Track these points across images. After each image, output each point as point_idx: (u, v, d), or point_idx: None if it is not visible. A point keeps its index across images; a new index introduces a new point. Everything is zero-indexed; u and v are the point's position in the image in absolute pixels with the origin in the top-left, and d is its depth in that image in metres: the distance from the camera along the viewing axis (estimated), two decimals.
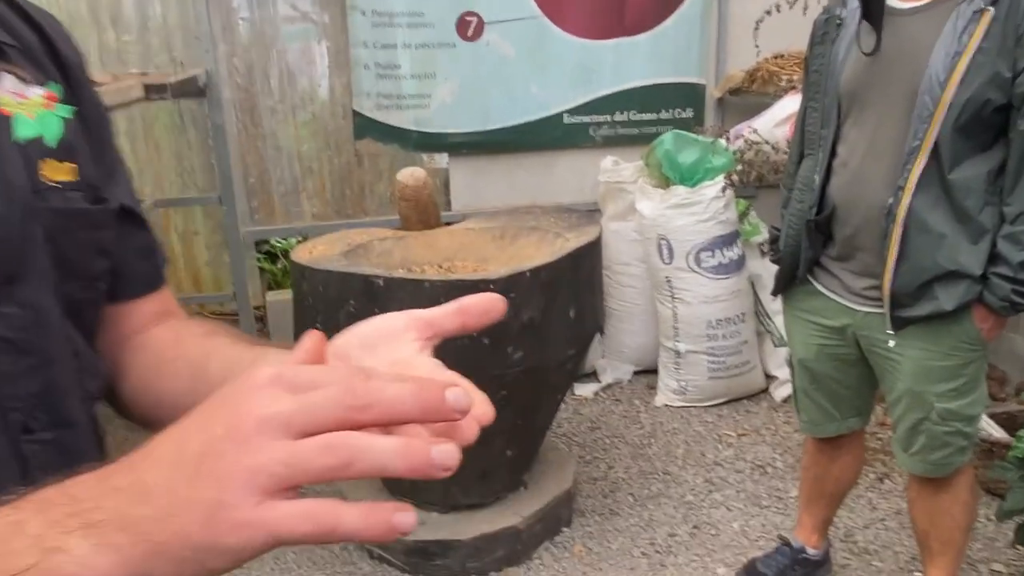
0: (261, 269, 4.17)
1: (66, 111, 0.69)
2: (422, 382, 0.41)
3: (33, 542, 0.40)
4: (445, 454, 0.39)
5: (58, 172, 0.66)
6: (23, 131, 0.65)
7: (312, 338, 0.51)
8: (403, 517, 0.39)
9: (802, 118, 1.93)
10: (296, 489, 0.39)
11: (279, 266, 4.30)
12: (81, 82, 0.73)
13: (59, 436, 0.65)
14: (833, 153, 1.83)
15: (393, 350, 0.54)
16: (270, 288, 4.12)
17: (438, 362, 0.53)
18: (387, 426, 0.42)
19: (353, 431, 0.39)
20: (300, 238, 3.57)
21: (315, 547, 2.51)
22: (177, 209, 3.74)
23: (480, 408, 0.46)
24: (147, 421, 0.75)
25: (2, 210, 0.60)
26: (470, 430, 0.45)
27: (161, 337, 0.77)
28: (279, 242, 4.22)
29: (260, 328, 3.81)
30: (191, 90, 3.00)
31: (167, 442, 0.42)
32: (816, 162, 1.85)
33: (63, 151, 0.67)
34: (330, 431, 0.39)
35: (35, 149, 0.65)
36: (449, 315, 0.54)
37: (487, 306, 0.55)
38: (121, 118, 3.52)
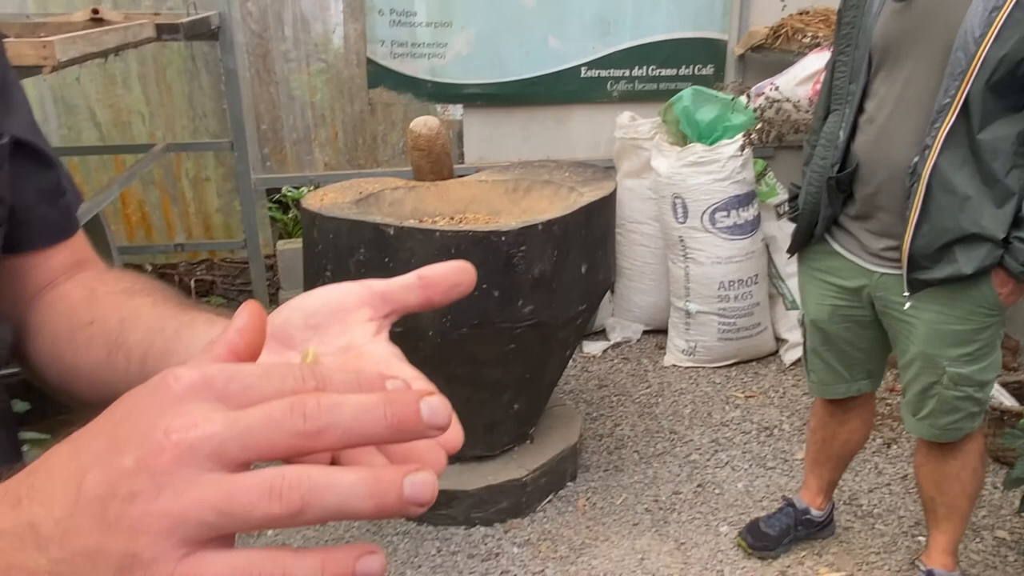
0: (272, 219, 4.16)
1: None
2: (389, 395, 0.32)
3: None
4: (422, 487, 0.31)
5: None
6: None
7: (248, 312, 0.38)
8: (369, 562, 0.30)
9: (831, 72, 1.88)
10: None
11: (290, 216, 4.28)
12: None
13: None
14: (860, 109, 1.79)
15: (343, 332, 0.45)
16: (281, 238, 4.11)
17: (395, 350, 0.45)
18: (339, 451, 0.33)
19: (305, 464, 0.31)
20: (311, 187, 3.55)
21: None
22: (188, 154, 3.71)
23: (450, 433, 0.35)
24: (62, 390, 0.64)
25: None
26: (437, 460, 0.35)
27: (73, 296, 0.65)
28: (290, 191, 4.20)
29: (270, 277, 3.81)
30: (203, 32, 2.95)
31: (63, 467, 0.32)
32: (842, 118, 1.80)
33: None
34: (274, 459, 0.31)
35: None
36: (410, 288, 0.45)
37: (455, 278, 0.45)
38: (133, 59, 3.48)
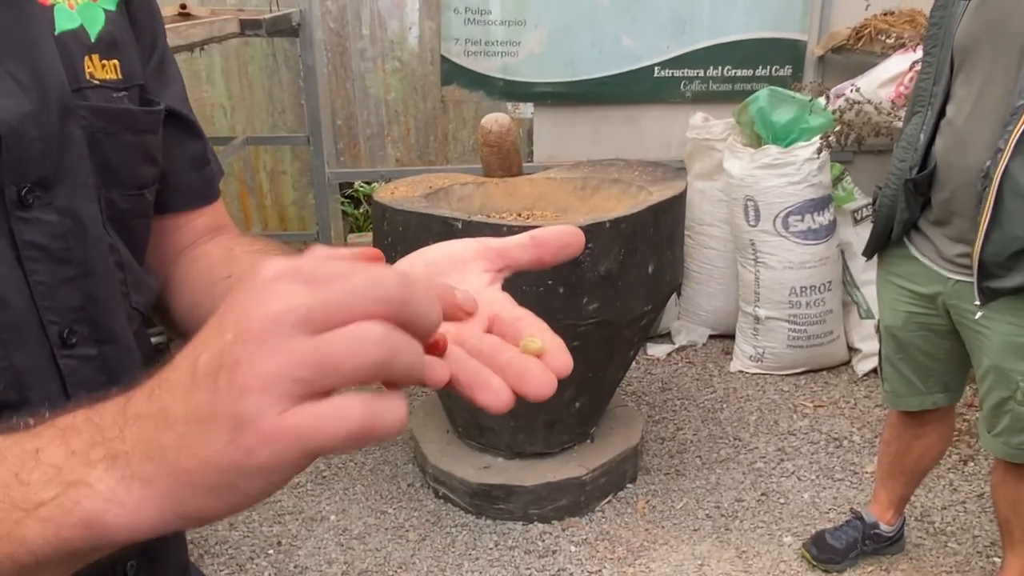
0: (344, 213, 4.25)
1: (110, 2, 0.63)
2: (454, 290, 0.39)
3: (53, 474, 0.37)
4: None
5: (101, 69, 0.61)
6: (64, 23, 0.58)
7: (369, 254, 0.42)
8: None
9: (919, 74, 1.82)
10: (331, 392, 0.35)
11: (361, 211, 4.37)
12: None
13: (102, 352, 0.61)
14: (943, 112, 1.73)
15: (460, 280, 0.49)
16: (351, 231, 4.19)
17: (508, 296, 0.47)
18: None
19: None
20: (383, 182, 3.61)
21: (383, 483, 2.57)
22: (267, 147, 3.82)
23: (558, 359, 0.41)
24: None
25: (35, 107, 0.55)
26: (545, 383, 0.39)
27: (213, 253, 0.72)
28: (362, 187, 4.28)
29: None
30: (285, 28, 3.03)
31: (184, 360, 0.37)
32: (923, 120, 1.75)
33: (105, 46, 0.61)
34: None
35: (76, 43, 0.59)
36: (524, 247, 0.49)
37: (565, 240, 0.49)
38: (217, 55, 3.60)
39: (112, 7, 0.63)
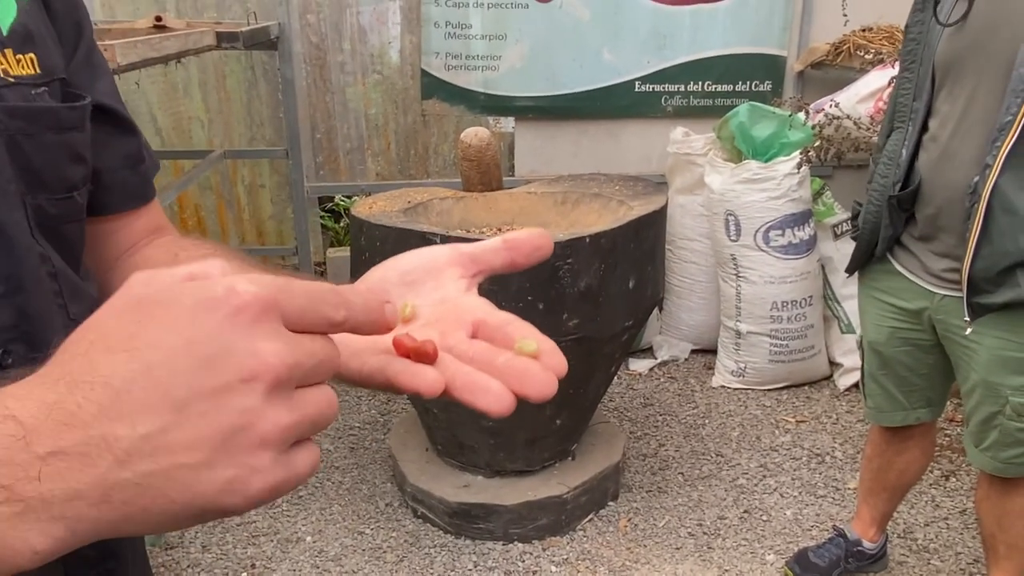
0: (324, 227, 4.20)
1: None
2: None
3: None
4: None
5: (16, 65, 0.56)
6: None
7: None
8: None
9: (896, 89, 1.81)
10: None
11: (341, 225, 4.32)
12: None
13: None
14: (924, 127, 1.72)
15: (437, 287, 0.49)
16: (332, 246, 4.15)
17: (487, 301, 0.48)
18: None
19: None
20: (363, 196, 3.58)
21: (360, 502, 2.52)
22: (245, 161, 3.77)
23: (553, 359, 0.42)
24: None
25: None
26: (547, 383, 0.41)
27: (156, 258, 0.67)
28: (343, 200, 4.24)
29: None
30: (263, 41, 3.00)
31: (141, 379, 0.32)
32: (905, 136, 1.74)
33: (19, 39, 0.57)
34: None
35: None
36: (496, 251, 0.49)
37: (536, 242, 0.49)
38: (195, 68, 3.56)
39: None
